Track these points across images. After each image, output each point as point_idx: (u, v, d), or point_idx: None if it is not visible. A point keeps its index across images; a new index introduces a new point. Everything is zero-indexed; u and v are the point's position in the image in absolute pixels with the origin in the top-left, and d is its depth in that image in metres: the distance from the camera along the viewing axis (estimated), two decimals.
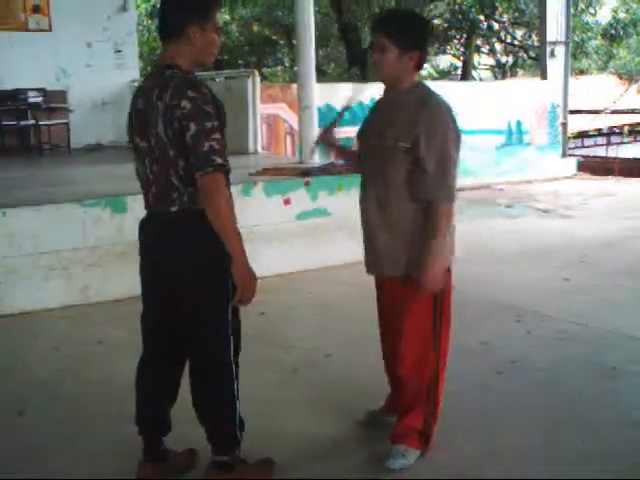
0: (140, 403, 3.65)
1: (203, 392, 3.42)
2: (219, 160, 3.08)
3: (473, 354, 5.14)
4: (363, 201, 3.70)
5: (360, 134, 3.76)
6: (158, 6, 3.54)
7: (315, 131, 7.99)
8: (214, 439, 3.44)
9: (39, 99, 11.55)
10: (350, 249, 6.69)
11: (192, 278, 3.28)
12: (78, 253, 6.35)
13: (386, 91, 3.68)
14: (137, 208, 6.47)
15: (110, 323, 5.94)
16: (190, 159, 3.11)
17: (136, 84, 13.08)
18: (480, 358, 5.10)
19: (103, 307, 6.30)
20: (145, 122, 3.24)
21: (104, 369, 5.02)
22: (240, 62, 27.31)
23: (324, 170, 7.87)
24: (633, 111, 17.52)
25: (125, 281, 6.49)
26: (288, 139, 11.72)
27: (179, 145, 3.13)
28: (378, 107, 3.75)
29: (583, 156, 15.81)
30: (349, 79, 20.25)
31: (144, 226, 3.46)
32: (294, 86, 10.70)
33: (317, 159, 8.51)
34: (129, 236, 6.46)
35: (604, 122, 17.76)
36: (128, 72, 13.12)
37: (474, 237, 9.03)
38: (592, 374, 4.82)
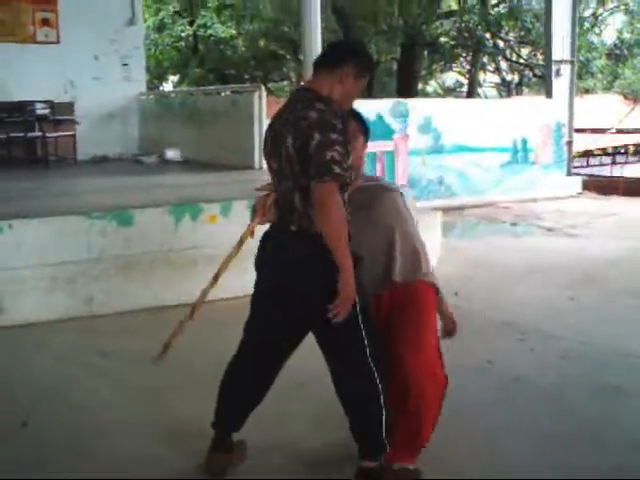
0: (225, 404, 3.75)
1: (347, 397, 3.50)
2: (338, 170, 3.13)
3: (476, 371, 5.12)
4: None
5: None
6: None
7: None
8: (360, 440, 3.50)
9: (46, 111, 11.61)
10: None
11: (310, 296, 3.35)
12: (83, 265, 6.35)
13: None
14: (143, 221, 6.58)
15: (114, 335, 5.93)
16: (309, 169, 3.17)
17: (143, 97, 13.19)
18: (483, 375, 5.08)
19: (107, 320, 6.29)
20: (278, 141, 3.33)
21: (107, 382, 5.01)
22: (246, 77, 27.43)
23: None
24: (638, 131, 17.50)
25: (129, 294, 6.52)
26: None
27: (304, 158, 3.20)
28: None
29: (588, 175, 15.79)
30: None
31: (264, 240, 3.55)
32: None
33: None
34: (134, 249, 6.54)
35: (609, 141, 17.77)
36: (135, 85, 13.23)
37: (478, 254, 9.04)
38: (596, 394, 4.80)
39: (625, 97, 19.80)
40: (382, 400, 3.39)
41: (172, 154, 11.56)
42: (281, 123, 3.35)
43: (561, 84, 14.36)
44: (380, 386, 3.38)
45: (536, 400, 4.70)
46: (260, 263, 3.56)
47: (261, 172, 9.81)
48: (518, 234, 10.54)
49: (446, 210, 10.65)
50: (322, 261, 3.25)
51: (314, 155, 3.14)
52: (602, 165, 18.26)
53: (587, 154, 19.00)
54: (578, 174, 15.47)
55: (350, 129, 3.40)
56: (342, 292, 3.17)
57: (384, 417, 3.40)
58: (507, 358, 5.44)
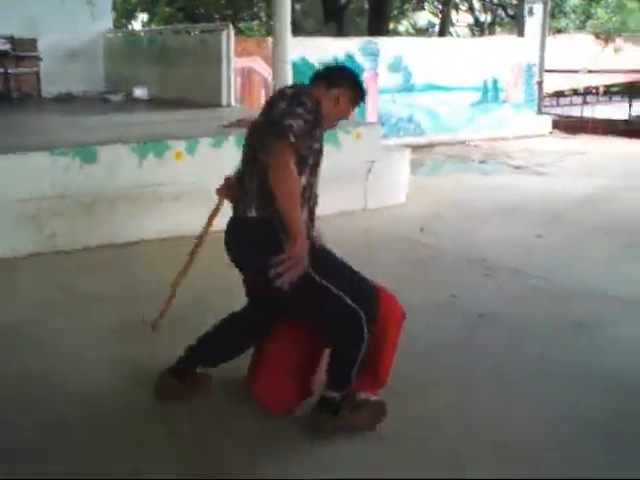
0: (213, 345, 3.79)
1: (330, 332, 3.48)
2: (292, 139, 3.10)
3: (441, 308, 5.12)
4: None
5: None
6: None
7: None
8: (331, 371, 3.48)
9: (7, 47, 11.30)
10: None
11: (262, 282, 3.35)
12: (47, 202, 6.23)
13: None
14: (107, 158, 6.48)
15: (78, 272, 5.86)
16: (267, 130, 3.19)
17: (110, 35, 12.94)
18: (448, 312, 5.07)
19: (71, 256, 6.22)
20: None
21: (70, 319, 4.94)
22: (216, 16, 26.96)
23: None
24: (609, 71, 17.43)
25: (94, 231, 6.45)
26: (262, 92, 11.59)
27: (262, 130, 3.26)
28: None
29: (558, 115, 15.79)
30: (326, 34, 20.02)
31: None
32: (269, 40, 10.58)
33: None
34: (98, 186, 6.44)
35: (581, 81, 17.71)
36: (100, 23, 12.95)
37: (447, 193, 9.02)
38: (561, 329, 4.81)
39: (597, 37, 19.67)
40: (365, 341, 3.36)
41: (139, 92, 11.37)
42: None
43: (533, 23, 14.29)
44: (365, 326, 3.35)
45: (501, 337, 4.69)
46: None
47: (229, 109, 9.72)
48: (487, 172, 10.53)
49: (416, 148, 10.62)
50: (256, 247, 3.33)
51: (275, 119, 3.17)
52: (573, 105, 18.23)
53: (558, 94, 18.94)
54: (549, 114, 15.46)
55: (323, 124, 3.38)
56: (291, 253, 3.11)
57: (360, 357, 3.39)
58: (473, 295, 5.43)
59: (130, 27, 27.90)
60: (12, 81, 11.23)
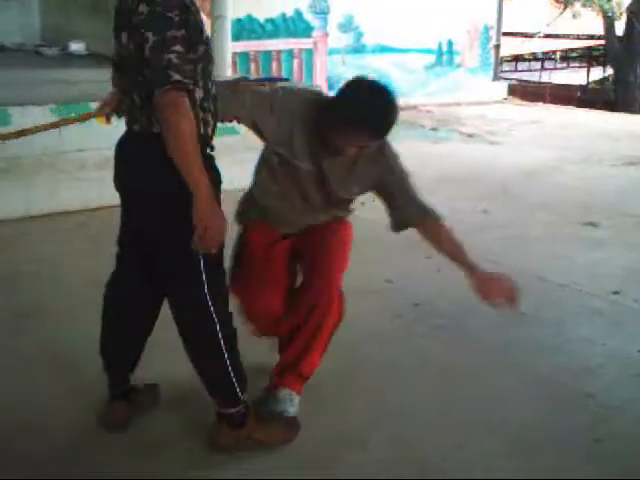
0: (107, 334, 3.24)
1: (184, 341, 3.03)
2: (177, 76, 2.57)
3: (374, 294, 4.80)
4: None
5: None
6: None
7: None
8: (211, 393, 3.10)
9: None
10: None
11: (148, 208, 2.89)
12: None
13: None
14: (22, 121, 5.97)
15: None
16: (148, 75, 2.65)
17: None
18: (381, 299, 4.76)
19: None
20: (119, 25, 2.85)
21: None
22: None
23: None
24: (567, 36, 17.14)
25: (7, 201, 6.01)
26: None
27: (137, 56, 2.68)
28: None
29: (516, 80, 15.52)
30: None
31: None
32: None
33: None
34: (14, 152, 6.00)
35: (537, 46, 17.40)
36: None
37: None
38: (499, 320, 4.46)
39: (556, 0, 19.28)
40: (224, 346, 2.94)
41: (76, 47, 10.76)
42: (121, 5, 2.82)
43: None
44: (221, 331, 2.93)
45: (435, 328, 4.39)
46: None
47: None
48: (437, 139, 10.18)
49: None
50: (157, 165, 2.76)
51: (150, 59, 2.61)
52: (531, 70, 17.93)
53: (517, 59, 18.61)
54: (507, 79, 15.16)
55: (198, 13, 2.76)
56: (200, 223, 2.64)
57: (229, 366, 2.97)
58: (410, 280, 5.12)
59: None
60: None
